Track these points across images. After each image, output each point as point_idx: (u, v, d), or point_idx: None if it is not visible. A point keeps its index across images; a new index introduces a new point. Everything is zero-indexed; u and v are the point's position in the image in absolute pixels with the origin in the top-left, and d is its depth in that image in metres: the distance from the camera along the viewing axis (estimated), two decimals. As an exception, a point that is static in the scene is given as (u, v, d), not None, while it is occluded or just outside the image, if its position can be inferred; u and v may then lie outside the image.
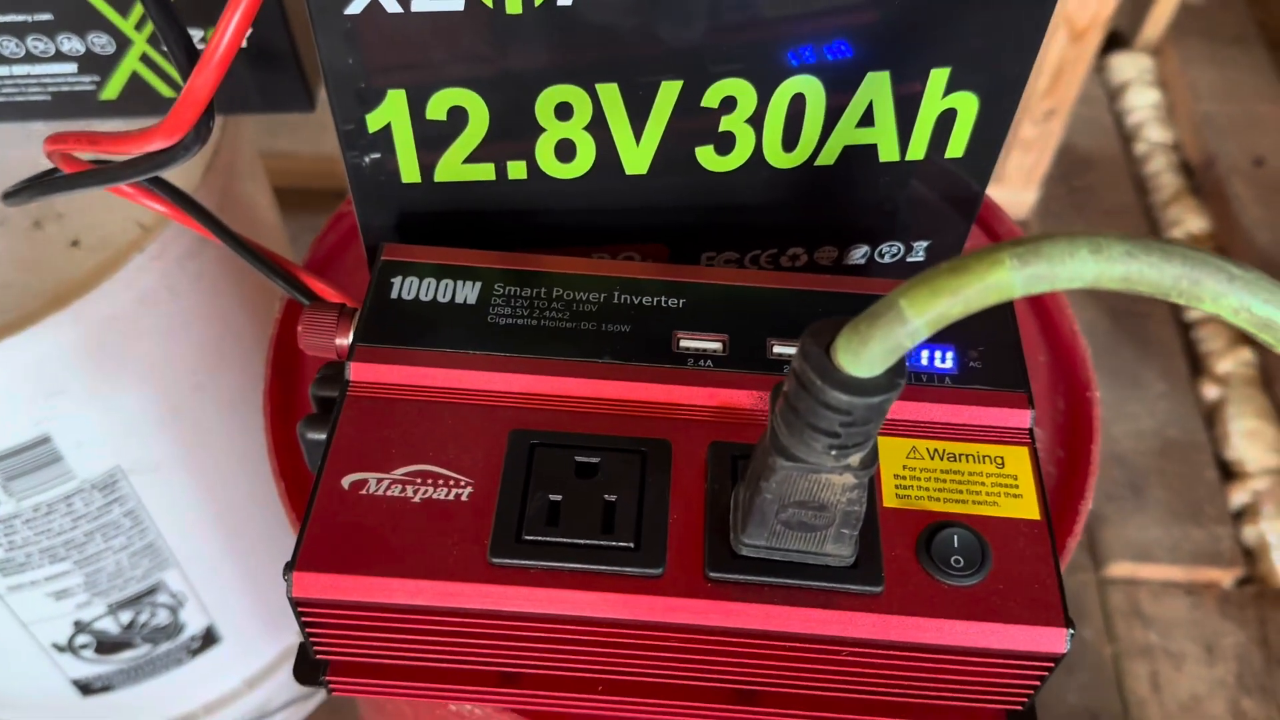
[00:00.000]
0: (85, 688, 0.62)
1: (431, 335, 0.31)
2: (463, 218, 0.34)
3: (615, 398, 0.30)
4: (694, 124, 0.33)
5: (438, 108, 0.32)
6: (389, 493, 0.28)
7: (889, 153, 0.34)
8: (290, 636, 0.70)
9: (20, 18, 0.45)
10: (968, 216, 0.37)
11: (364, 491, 0.28)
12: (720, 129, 0.33)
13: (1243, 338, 1.05)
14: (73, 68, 0.47)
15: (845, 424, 0.23)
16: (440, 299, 0.32)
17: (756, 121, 0.33)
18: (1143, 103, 1.28)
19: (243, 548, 0.62)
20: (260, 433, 0.59)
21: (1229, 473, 0.98)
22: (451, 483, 0.29)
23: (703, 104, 0.32)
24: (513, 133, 0.33)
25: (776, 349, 0.32)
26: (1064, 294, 0.44)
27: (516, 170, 0.33)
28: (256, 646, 0.69)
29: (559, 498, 0.28)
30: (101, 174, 0.34)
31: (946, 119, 0.34)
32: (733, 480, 0.29)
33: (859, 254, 0.38)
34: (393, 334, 0.31)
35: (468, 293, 0.32)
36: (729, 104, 0.32)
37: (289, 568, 0.27)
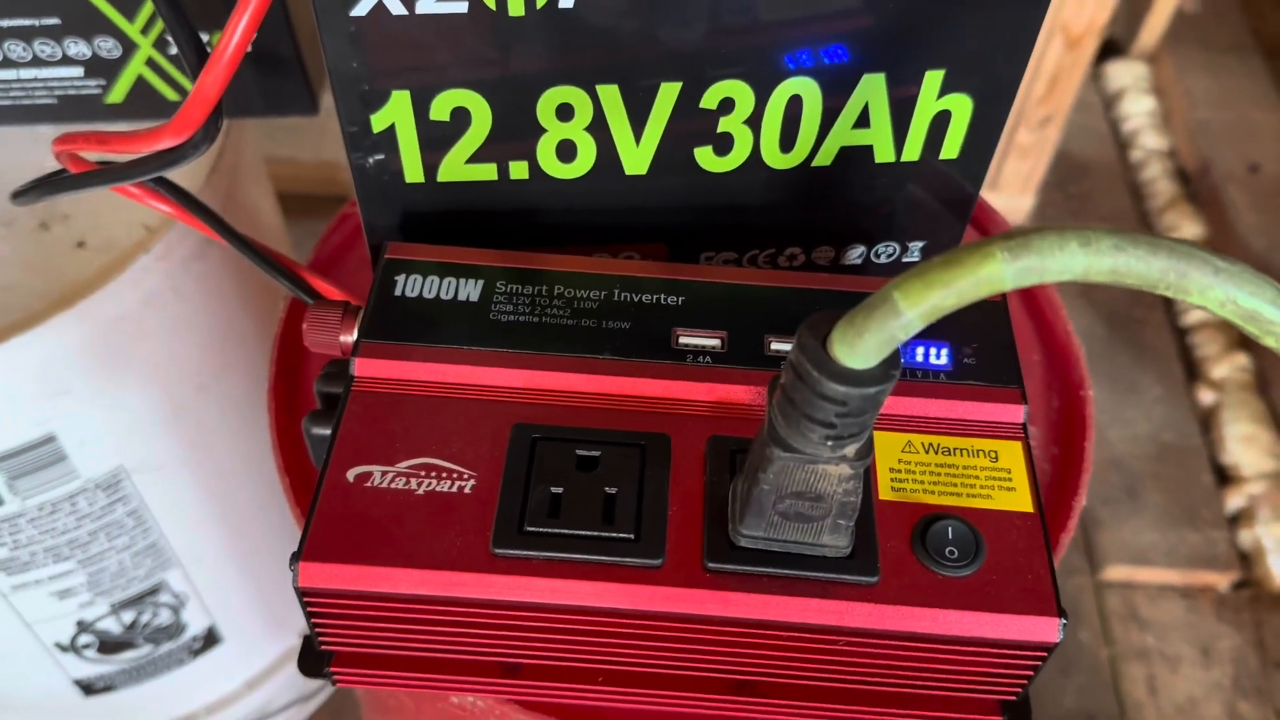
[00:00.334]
0: (87, 688, 0.63)
1: (434, 332, 0.32)
2: (465, 217, 0.35)
3: (615, 393, 0.31)
4: (693, 125, 0.33)
5: (441, 108, 0.32)
6: (393, 485, 0.29)
7: (884, 154, 0.35)
8: (292, 637, 0.71)
9: (27, 22, 0.46)
10: (962, 217, 0.38)
11: (369, 484, 0.29)
12: (719, 130, 0.34)
13: (1239, 343, 1.06)
14: (79, 71, 0.47)
15: (841, 415, 0.24)
16: (443, 296, 0.33)
17: (754, 123, 0.34)
18: (1138, 110, 1.29)
19: (245, 548, 0.62)
20: (263, 433, 0.59)
21: (1225, 477, 0.98)
22: (455, 475, 0.29)
23: (701, 105, 0.33)
24: (515, 133, 0.33)
25: (774, 345, 0.32)
26: (1058, 295, 0.44)
27: (518, 170, 0.34)
28: (258, 647, 0.69)
29: (560, 490, 0.29)
30: (109, 173, 0.34)
31: (941, 121, 0.34)
32: (731, 473, 0.29)
33: (855, 254, 0.39)
34: (396, 331, 0.32)
35: (470, 290, 0.33)
36: (727, 105, 0.33)
37: (295, 558, 0.28)
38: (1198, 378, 1.05)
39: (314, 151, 0.97)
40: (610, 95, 0.32)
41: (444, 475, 0.29)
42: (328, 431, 0.33)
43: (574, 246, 0.36)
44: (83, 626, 0.58)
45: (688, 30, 0.31)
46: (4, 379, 0.46)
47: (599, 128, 0.33)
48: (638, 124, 0.33)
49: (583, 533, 0.28)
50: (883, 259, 0.39)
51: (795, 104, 0.33)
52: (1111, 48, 1.36)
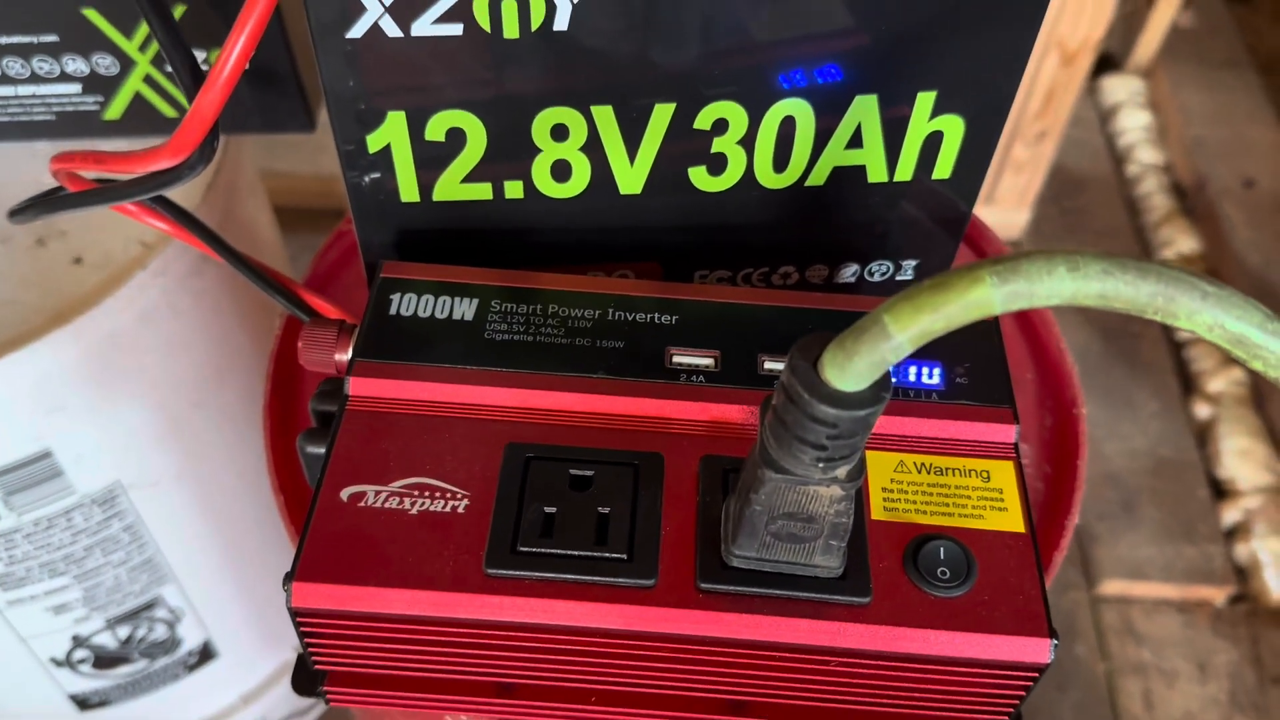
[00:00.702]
0: (83, 703, 0.63)
1: (429, 351, 0.32)
2: (460, 236, 0.35)
3: (609, 412, 0.31)
4: (687, 145, 0.34)
5: (437, 129, 0.32)
6: (387, 505, 0.29)
7: (877, 174, 0.35)
8: (287, 652, 0.71)
9: (26, 39, 0.46)
10: (955, 236, 0.38)
11: (362, 504, 0.29)
12: (712, 150, 0.34)
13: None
14: (77, 88, 0.48)
15: (832, 437, 0.24)
16: (438, 315, 0.33)
17: (748, 143, 0.34)
18: (1134, 125, 1.29)
19: (241, 563, 0.62)
20: (258, 450, 0.59)
21: (1221, 491, 0.98)
22: (448, 495, 0.29)
23: (695, 126, 0.33)
24: (510, 153, 0.33)
25: (767, 365, 0.32)
26: (1052, 313, 0.44)
27: (513, 190, 0.34)
28: (253, 662, 0.69)
29: (553, 510, 0.29)
30: (106, 193, 0.34)
31: (933, 141, 0.34)
32: (724, 493, 0.29)
33: (849, 273, 0.39)
34: (391, 349, 0.32)
35: (465, 309, 0.33)
36: (721, 126, 0.33)
37: (289, 578, 0.28)
38: (1194, 392, 1.05)
39: (312, 165, 0.97)
40: (605, 116, 0.32)
41: (437, 495, 0.29)
42: (322, 450, 0.33)
43: (568, 265, 0.36)
44: (78, 642, 0.58)
45: (682, 52, 0.31)
46: (2, 395, 0.46)
47: (594, 148, 0.33)
48: (632, 144, 0.33)
49: (576, 553, 0.28)
50: (876, 277, 0.39)
51: (788, 125, 0.33)
52: (1107, 62, 1.37)
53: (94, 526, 0.53)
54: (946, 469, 0.31)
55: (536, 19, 0.30)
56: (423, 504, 0.29)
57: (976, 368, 0.33)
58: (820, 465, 0.25)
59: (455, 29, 0.30)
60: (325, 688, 0.31)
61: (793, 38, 0.32)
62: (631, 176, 0.34)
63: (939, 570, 0.28)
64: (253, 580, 0.63)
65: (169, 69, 0.47)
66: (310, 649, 0.30)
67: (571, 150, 0.33)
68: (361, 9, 0.29)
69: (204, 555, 0.59)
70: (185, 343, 0.51)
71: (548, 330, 0.33)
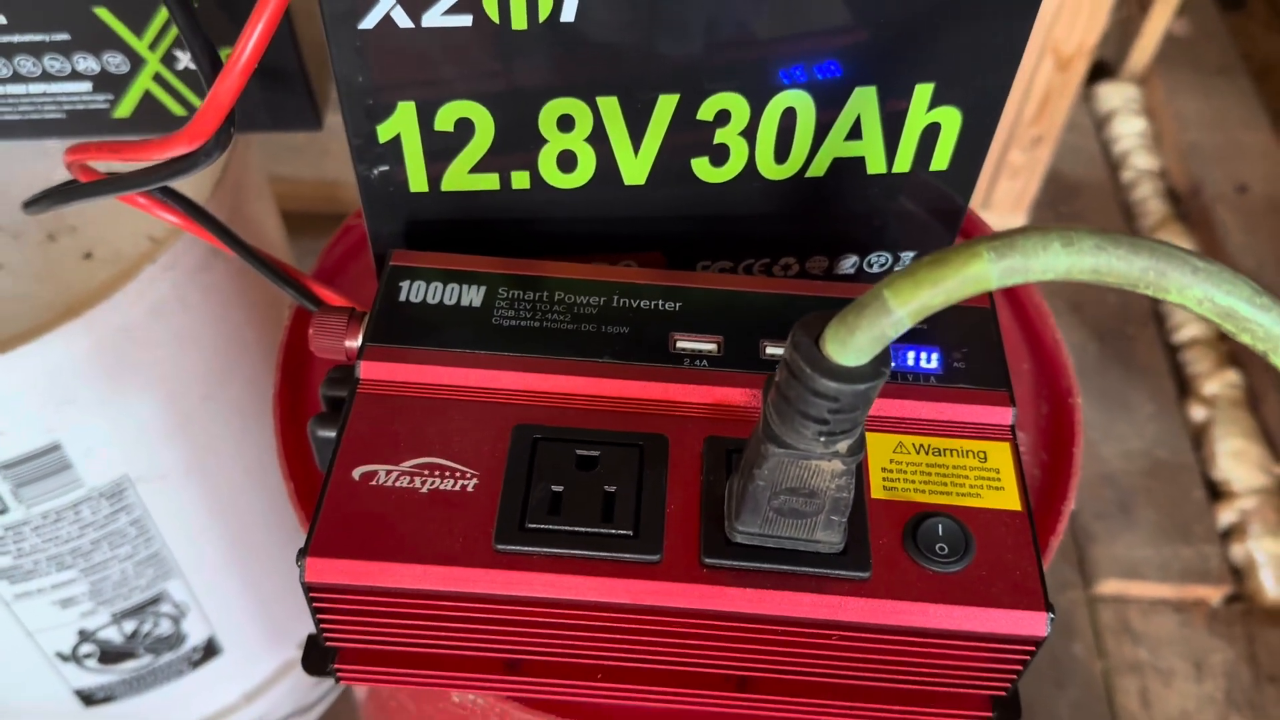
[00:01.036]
0: (88, 698, 0.63)
1: (438, 336, 0.33)
2: (468, 225, 0.36)
3: (615, 395, 0.32)
4: (690, 136, 0.34)
5: (445, 119, 0.33)
6: (398, 484, 0.30)
7: (876, 165, 0.36)
8: (290, 650, 0.71)
9: (38, 37, 0.47)
10: (952, 228, 0.39)
11: (374, 483, 0.30)
12: (715, 141, 0.35)
13: (1229, 359, 1.07)
14: (87, 86, 0.48)
15: (834, 410, 0.25)
16: (446, 302, 0.34)
17: (749, 134, 0.34)
18: (1129, 131, 1.30)
19: (245, 559, 0.63)
20: (264, 445, 0.60)
21: (1216, 492, 0.99)
22: (458, 474, 0.30)
23: (698, 117, 0.34)
24: (517, 144, 0.34)
25: (769, 350, 0.33)
26: (1048, 305, 0.45)
27: (520, 180, 0.35)
28: (257, 659, 0.70)
29: (561, 488, 0.30)
30: (120, 182, 0.35)
31: (931, 133, 0.35)
32: (727, 473, 0.30)
33: (848, 264, 0.39)
34: (401, 334, 0.33)
35: (473, 296, 0.34)
36: (723, 117, 0.34)
37: (302, 554, 0.29)
38: (1189, 394, 1.06)
39: (315, 170, 0.98)
40: (610, 107, 0.33)
41: (447, 474, 0.30)
42: (332, 434, 0.33)
43: (574, 255, 0.37)
44: (84, 636, 0.59)
45: (685, 44, 0.32)
46: (11, 387, 0.46)
47: (599, 139, 0.34)
48: (636, 135, 0.34)
49: (583, 529, 0.29)
50: (875, 269, 0.40)
51: (789, 116, 0.34)
52: (1103, 69, 1.38)
53: (101, 520, 0.53)
54: (944, 450, 0.31)
55: (544, 10, 0.30)
56: (433, 483, 0.30)
57: (974, 353, 0.33)
58: (822, 439, 0.26)
59: (465, 20, 0.31)
60: (336, 665, 0.31)
61: (794, 32, 0.33)
62: (636, 167, 0.35)
63: (937, 546, 0.29)
64: (257, 576, 0.64)
65: (179, 67, 0.48)
66: (322, 625, 0.30)
67: (577, 141, 0.34)
68: (374, 0, 0.30)
69: (209, 550, 0.60)
70: (194, 336, 0.52)
71: (554, 316, 0.33)
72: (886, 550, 0.29)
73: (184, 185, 0.36)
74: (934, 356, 0.33)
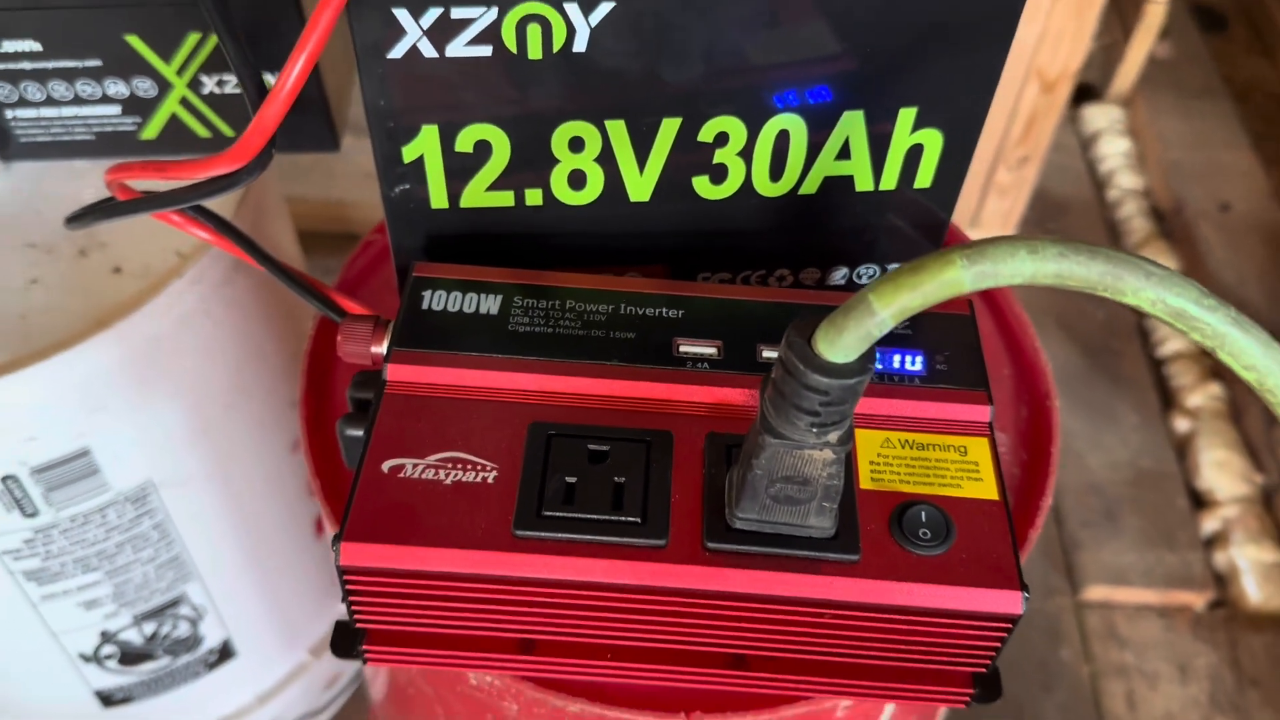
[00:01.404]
0: (107, 699, 0.65)
1: (458, 341, 0.35)
2: (485, 239, 0.39)
3: (623, 395, 0.34)
4: (691, 157, 0.37)
5: (465, 141, 0.36)
6: (424, 476, 0.32)
7: (864, 183, 0.39)
8: (302, 654, 0.73)
9: (72, 63, 0.49)
10: (936, 241, 0.41)
11: (401, 475, 0.32)
12: (714, 161, 0.37)
13: (1212, 373, 1.10)
14: (117, 109, 0.51)
15: (824, 403, 0.27)
16: (466, 310, 0.36)
17: (746, 155, 0.37)
18: (1114, 151, 1.34)
19: (262, 564, 0.65)
20: (282, 453, 0.62)
21: (1200, 501, 1.02)
22: (479, 467, 0.32)
23: (699, 139, 0.36)
24: (531, 164, 0.37)
25: (765, 353, 0.36)
26: (1027, 314, 0.48)
27: (534, 197, 0.38)
28: (270, 662, 0.72)
29: (574, 480, 0.32)
30: (159, 198, 0.37)
31: (915, 153, 0.38)
32: (727, 465, 0.33)
33: (839, 275, 0.42)
34: (424, 340, 0.35)
35: (490, 304, 0.36)
36: (722, 139, 0.37)
37: (337, 539, 0.31)
38: (1173, 406, 1.09)
39: (323, 190, 1.01)
40: (617, 129, 0.36)
41: (469, 467, 0.32)
42: (360, 432, 0.36)
43: (583, 266, 0.40)
44: (106, 637, 0.61)
45: (687, 73, 0.35)
46: (46, 395, 0.49)
47: (607, 159, 0.37)
48: (642, 155, 0.37)
49: (595, 517, 0.31)
50: (864, 280, 0.42)
51: (783, 138, 0.37)
52: (1089, 92, 1.41)
53: (126, 523, 0.56)
54: (928, 444, 0.34)
55: (558, 42, 0.33)
56: (456, 475, 0.32)
57: (955, 356, 0.36)
58: (814, 430, 0.28)
59: (485, 50, 0.33)
60: (364, 646, 0.34)
61: (787, 60, 0.35)
62: (641, 185, 0.37)
63: (921, 532, 0.32)
64: (272, 581, 0.66)
65: (204, 91, 0.50)
66: (353, 606, 0.33)
67: (587, 161, 0.37)
68: (402, 32, 0.33)
69: (227, 555, 0.62)
70: (218, 347, 0.54)
71: (565, 323, 0.36)
72: (874, 535, 0.32)
73: (209, 205, 0.38)
74: (918, 360, 0.36)
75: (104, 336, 0.49)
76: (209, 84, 0.50)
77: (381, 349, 0.37)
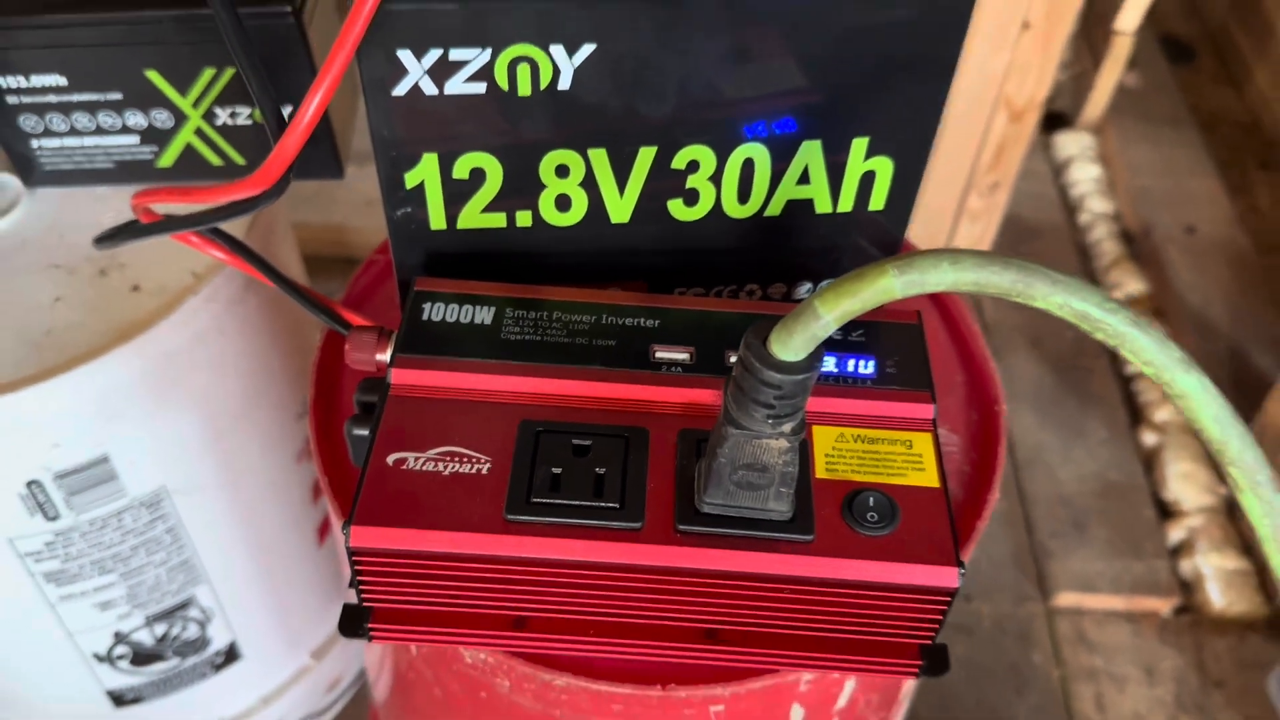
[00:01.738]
0: (118, 699, 0.68)
1: (456, 348, 0.39)
2: (480, 257, 0.42)
3: (604, 396, 0.38)
4: (666, 182, 0.41)
5: (462, 169, 0.40)
6: (424, 468, 0.36)
7: (823, 206, 0.42)
8: (305, 657, 0.76)
9: (95, 97, 0.53)
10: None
11: (404, 467, 0.36)
12: (687, 186, 0.41)
13: (1178, 390, 1.14)
14: (135, 139, 0.54)
15: (778, 396, 0.31)
16: (462, 320, 0.40)
17: (716, 180, 0.41)
18: (1085, 177, 1.39)
19: (268, 569, 0.68)
20: (289, 463, 0.66)
21: (1166, 512, 1.06)
22: (474, 460, 0.36)
23: (673, 166, 0.40)
24: (521, 189, 0.40)
25: (732, 358, 0.39)
26: (978, 322, 0.52)
27: (524, 219, 0.41)
28: (274, 664, 0.75)
29: (559, 470, 0.36)
30: (180, 221, 0.41)
31: (868, 178, 0.42)
32: (697, 458, 0.36)
33: (804, 290, 0.46)
34: (425, 347, 0.39)
35: (485, 315, 0.40)
36: (694, 166, 0.40)
37: (347, 523, 0.35)
38: (1141, 421, 1.13)
39: (323, 216, 1.05)
40: (599, 158, 0.40)
41: (465, 460, 0.36)
42: (366, 432, 0.40)
43: (569, 281, 0.43)
44: (119, 638, 0.64)
45: (662, 107, 0.38)
46: (68, 405, 0.52)
47: (590, 184, 0.40)
48: (621, 181, 0.40)
49: (578, 502, 0.35)
50: (826, 294, 0.46)
51: (749, 165, 0.41)
52: (1060, 120, 1.46)
53: (141, 527, 0.59)
54: (877, 439, 0.38)
55: (545, 80, 0.37)
56: (453, 467, 0.36)
57: (903, 360, 0.40)
58: (770, 422, 0.32)
59: (480, 88, 0.37)
60: (370, 624, 0.37)
61: (752, 95, 0.39)
62: (621, 207, 0.41)
63: (869, 515, 0.35)
64: (278, 586, 0.70)
65: (218, 123, 0.54)
66: (361, 585, 0.36)
67: (572, 186, 0.41)
68: (405, 71, 0.37)
69: (235, 559, 0.66)
70: (230, 361, 0.58)
71: (553, 331, 0.40)
72: (827, 518, 0.35)
73: (246, 216, 0.42)
74: (870, 364, 0.40)
75: (123, 351, 0.52)
76: (222, 115, 0.53)
77: (386, 356, 0.41)
